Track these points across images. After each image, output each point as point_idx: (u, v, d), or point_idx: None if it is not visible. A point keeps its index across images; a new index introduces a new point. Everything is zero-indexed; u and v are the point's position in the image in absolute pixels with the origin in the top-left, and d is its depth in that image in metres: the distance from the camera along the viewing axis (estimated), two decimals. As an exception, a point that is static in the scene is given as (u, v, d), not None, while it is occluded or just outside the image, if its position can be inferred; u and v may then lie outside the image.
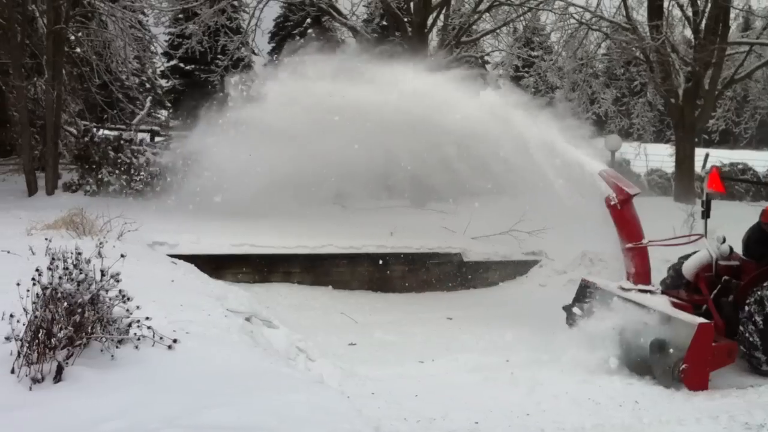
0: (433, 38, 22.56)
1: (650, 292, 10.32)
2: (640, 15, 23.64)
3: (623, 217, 10.49)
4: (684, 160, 22.73)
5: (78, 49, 21.42)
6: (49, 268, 5.76)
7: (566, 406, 8.76)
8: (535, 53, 26.41)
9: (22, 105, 18.29)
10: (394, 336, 11.69)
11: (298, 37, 44.52)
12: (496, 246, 15.74)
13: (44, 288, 5.63)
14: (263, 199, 15.15)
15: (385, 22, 25.98)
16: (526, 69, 27.46)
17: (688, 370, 9.19)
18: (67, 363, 5.58)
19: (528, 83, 26.51)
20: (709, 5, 21.75)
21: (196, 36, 22.24)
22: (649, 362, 9.55)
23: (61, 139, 19.96)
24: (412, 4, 20.28)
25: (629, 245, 10.52)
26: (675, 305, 10.07)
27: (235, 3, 24.74)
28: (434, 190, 17.03)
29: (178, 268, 11.44)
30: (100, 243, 6.68)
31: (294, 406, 5.53)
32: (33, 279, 5.60)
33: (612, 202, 10.41)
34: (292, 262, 14.40)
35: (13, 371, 5.46)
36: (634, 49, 22.92)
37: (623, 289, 10.51)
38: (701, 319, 9.45)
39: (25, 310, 5.58)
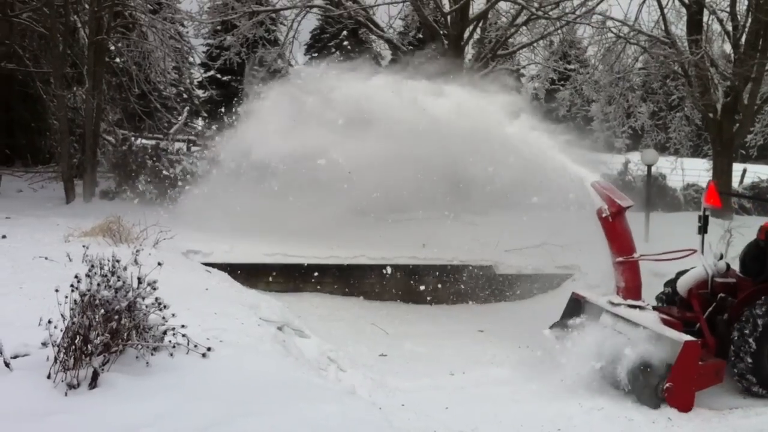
0: (469, 51, 22.59)
1: (639, 307, 10.12)
2: (679, 29, 23.44)
3: (615, 229, 10.23)
4: (721, 175, 22.39)
5: (118, 60, 21.80)
6: (88, 275, 5.84)
7: (598, 423, 8.70)
8: (571, 66, 26.30)
9: (62, 114, 18.64)
10: (425, 348, 11.68)
11: (334, 49, 44.88)
12: (529, 259, 15.66)
13: (82, 294, 5.72)
14: (296, 209, 15.22)
15: (421, 35, 26.05)
16: (562, 82, 27.36)
17: (673, 389, 9.01)
18: (102, 369, 5.66)
19: (563, 96, 26.40)
20: (750, 20, 21.50)
21: (234, 47, 22.47)
22: (631, 379, 9.33)
23: (99, 147, 20.29)
24: (449, 17, 20.31)
25: (620, 259, 10.28)
26: (664, 322, 9.88)
27: (274, 16, 24.95)
28: (467, 201, 17.00)
29: (212, 277, 11.55)
30: (136, 251, 6.78)
31: (327, 416, 5.56)
32: (72, 285, 5.69)
33: (603, 214, 10.19)
34: (324, 273, 14.46)
35: (49, 376, 5.55)
36: (672, 63, 22.71)
37: (612, 303, 10.33)
38: (687, 337, 9.25)
39: (62, 316, 5.67)
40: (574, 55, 26.36)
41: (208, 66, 30.02)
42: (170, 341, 6.22)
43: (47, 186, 20.38)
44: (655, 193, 23.82)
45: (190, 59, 26.95)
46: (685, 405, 9.08)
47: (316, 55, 39.57)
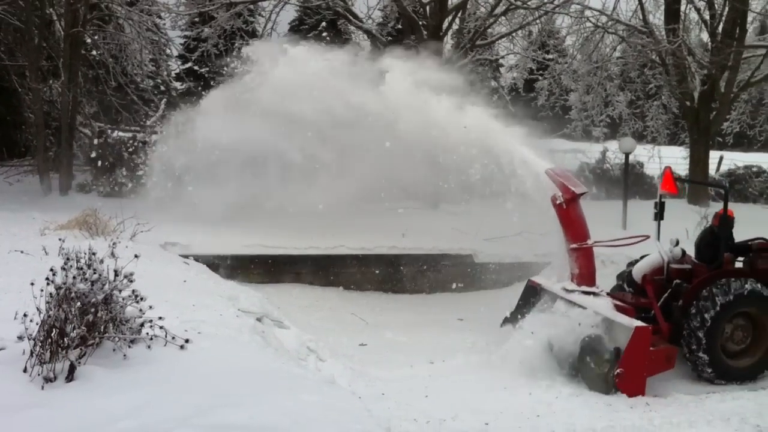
0: (448, 41, 22.57)
1: (593, 293, 10.14)
2: (657, 18, 23.56)
3: (568, 216, 10.28)
4: (698, 162, 22.61)
5: (94, 52, 21.58)
6: (63, 268, 5.81)
7: (577, 408, 8.75)
8: (549, 56, 26.36)
9: (38, 107, 18.47)
10: (405, 337, 11.72)
11: (312, 41, 44.60)
12: (508, 247, 15.67)
13: (58, 288, 5.68)
14: (274, 199, 15.17)
15: (400, 26, 26.01)
16: (541, 72, 27.41)
17: (624, 374, 9.01)
18: (79, 362, 5.63)
19: (542, 86, 26.47)
20: (727, 9, 21.65)
21: (212, 39, 22.33)
22: (582, 365, 9.38)
23: (75, 140, 20.12)
24: (427, 7, 20.29)
25: (573, 245, 10.33)
26: (618, 308, 9.90)
27: (251, 7, 24.80)
28: (447, 191, 17.00)
29: (191, 269, 11.52)
30: (113, 243, 6.73)
31: (306, 406, 5.56)
32: (47, 279, 5.66)
33: (557, 201, 10.22)
34: (303, 263, 14.46)
35: (25, 370, 5.51)
36: (650, 52, 22.82)
37: (566, 290, 10.34)
38: (638, 323, 9.29)
39: (38, 309, 5.63)
40: (553, 45, 26.39)
41: (186, 58, 29.83)
42: (147, 333, 6.21)
43: (23, 179, 20.21)
44: (633, 181, 23.95)
45: (168, 51, 26.73)
46: (635, 390, 9.09)
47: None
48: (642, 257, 11.31)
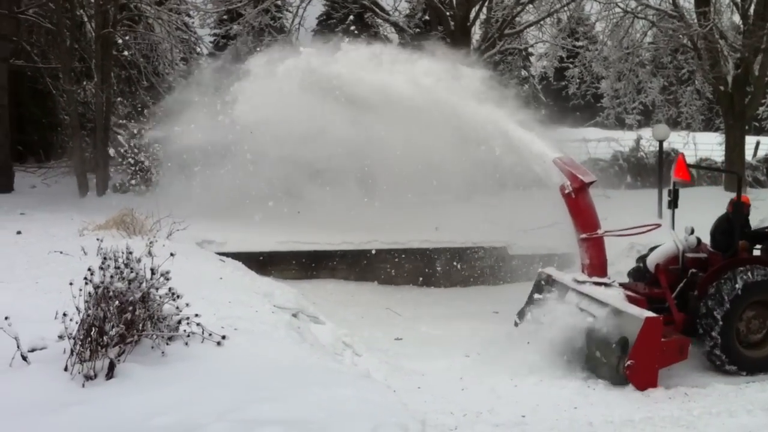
0: (476, 32, 22.48)
1: (605, 284, 9.94)
2: (687, 2, 23.26)
3: (578, 206, 10.12)
4: (734, 148, 22.24)
5: (126, 53, 21.82)
6: (101, 268, 5.90)
7: (615, 399, 8.69)
8: (579, 44, 26.13)
9: (72, 108, 18.74)
10: (440, 330, 11.71)
11: (341, 35, 44.67)
12: (541, 239, 15.59)
13: (96, 287, 5.78)
14: (306, 195, 15.26)
15: (427, 17, 25.94)
16: (571, 60, 27.17)
17: (635, 366, 8.78)
18: (118, 360, 5.73)
19: (573, 74, 26.23)
20: (758, -10, 21.29)
21: (241, 36, 22.47)
22: (592, 357, 9.23)
23: (111, 141, 20.35)
24: (454, -2, 20.25)
25: (584, 235, 10.17)
26: (629, 298, 9.70)
27: (279, 3, 24.89)
28: (479, 183, 16.91)
29: (226, 266, 11.61)
30: (150, 242, 6.82)
31: (341, 400, 5.59)
32: (85, 278, 5.75)
33: (566, 191, 10.06)
34: (338, 259, 14.54)
35: (66, 369, 5.63)
36: (681, 36, 22.51)
37: (577, 281, 10.17)
38: (649, 313, 9.03)
39: (78, 309, 5.73)
40: (582, 32, 26.12)
41: (216, 56, 30.00)
42: (185, 330, 6.29)
43: (60, 181, 20.50)
44: (668, 169, 23.66)
45: (198, 50, 26.94)
46: (646, 382, 8.89)
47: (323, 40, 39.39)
48: (655, 247, 11.14)
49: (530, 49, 31.27)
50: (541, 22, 23.49)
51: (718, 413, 8.26)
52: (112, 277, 5.82)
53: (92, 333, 5.70)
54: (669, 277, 10.49)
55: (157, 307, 6.13)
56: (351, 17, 33.17)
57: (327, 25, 43.16)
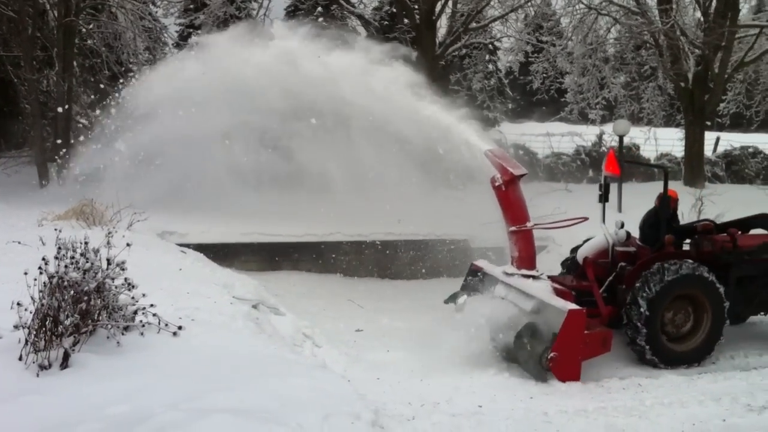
0: (442, 25, 22.54)
1: (533, 277, 10.01)
2: (650, 0, 23.55)
3: (507, 198, 10.13)
4: (693, 144, 22.60)
5: (89, 41, 21.56)
6: (56, 257, 5.89)
7: (570, 390, 8.86)
8: (545, 39, 26.29)
9: (33, 97, 18.51)
10: (401, 322, 11.78)
11: (309, 26, 44.39)
12: (503, 232, 15.73)
13: (51, 277, 5.77)
14: (269, 186, 15.22)
15: (394, 10, 25.96)
16: (536, 54, 27.36)
17: (558, 358, 8.85)
18: (73, 350, 5.73)
19: (537, 69, 26.40)
20: (719, -13, 21.61)
21: (206, 26, 22.32)
22: (517, 349, 9.23)
23: (72, 130, 20.12)
24: (420, -9, 20.27)
25: (512, 228, 10.20)
26: (556, 291, 9.76)
27: (245, -7, 24.80)
28: (441, 176, 16.94)
29: (187, 257, 11.59)
30: (109, 233, 6.80)
31: (295, 389, 5.65)
32: (39, 268, 5.74)
33: (496, 183, 10.08)
34: (301, 250, 14.56)
35: (21, 358, 5.62)
36: (643, 33, 22.78)
37: (506, 273, 10.23)
38: (572, 306, 9.11)
39: (32, 298, 5.72)
40: (548, 27, 26.28)
41: (181, 46, 29.73)
42: (141, 321, 6.30)
43: (21, 171, 20.24)
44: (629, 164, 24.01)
45: (162, 39, 26.67)
46: (569, 375, 8.97)
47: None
48: (586, 240, 11.28)
49: (497, 44, 31.41)
50: (507, 17, 23.60)
51: (670, 404, 8.47)
52: (66, 266, 5.81)
53: (47, 323, 5.69)
54: (599, 271, 10.63)
55: (113, 297, 6.14)
56: (319, 8, 33.08)
57: (294, 16, 43.02)
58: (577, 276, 10.90)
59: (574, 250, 11.51)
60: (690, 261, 10.00)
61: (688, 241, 11.00)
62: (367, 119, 12.44)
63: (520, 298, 9.74)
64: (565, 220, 10.76)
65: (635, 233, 11.22)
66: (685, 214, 16.75)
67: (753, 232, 11.49)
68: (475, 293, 10.70)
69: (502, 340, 9.49)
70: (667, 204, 10.60)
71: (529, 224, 10.14)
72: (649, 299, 9.68)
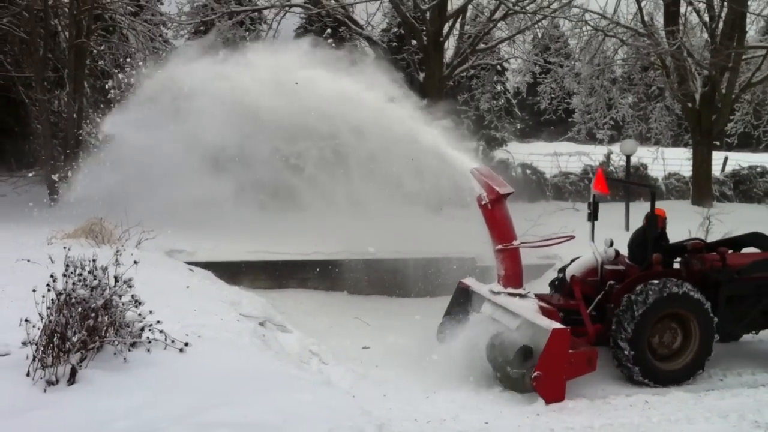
0: (450, 47, 22.66)
1: (520, 295, 9.92)
2: (657, 21, 23.71)
3: (494, 217, 10.02)
4: (701, 163, 22.67)
5: (100, 62, 21.76)
6: (64, 275, 5.96)
7: (577, 407, 8.88)
8: (554, 59, 26.42)
9: (44, 117, 18.67)
10: (408, 339, 11.78)
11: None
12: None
13: (59, 294, 5.84)
14: (276, 205, 15.29)
15: (402, 32, 26.12)
16: (544, 75, 27.50)
17: (542, 378, 8.74)
18: (80, 366, 5.79)
19: (545, 89, 26.55)
20: (725, 10, 21.72)
21: (215, 48, 22.48)
22: (503, 367, 9.20)
23: (83, 150, 20.26)
24: (427, 13, 20.38)
25: (499, 247, 10.10)
26: (543, 310, 9.69)
27: (254, 15, 24.98)
28: (448, 196, 16.93)
29: (195, 275, 11.65)
30: (118, 251, 6.88)
31: (299, 404, 5.70)
32: (48, 285, 5.81)
33: (483, 202, 9.99)
34: (308, 268, 14.59)
35: (28, 374, 5.68)
36: (650, 54, 22.89)
37: (493, 292, 10.16)
38: (557, 324, 9.06)
39: (40, 315, 5.79)
40: (556, 48, 26.42)
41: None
42: (147, 338, 6.35)
43: (31, 190, 20.32)
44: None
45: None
46: (554, 394, 8.86)
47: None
48: (574, 259, 11.28)
49: (505, 64, 31.55)
50: (514, 39, 23.73)
51: (677, 420, 8.48)
52: (74, 284, 5.88)
53: (54, 339, 5.75)
54: (588, 289, 10.61)
55: (120, 314, 6.19)
56: (329, 30, 33.32)
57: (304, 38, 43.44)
58: (564, 295, 10.87)
59: (562, 269, 11.52)
60: (674, 280, 9.93)
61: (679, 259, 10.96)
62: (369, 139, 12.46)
63: (506, 316, 9.70)
64: (552, 238, 10.80)
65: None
66: (693, 233, 16.75)
67: (746, 250, 11.51)
68: (463, 312, 10.69)
69: (489, 358, 9.49)
70: (654, 223, 10.59)
71: (515, 242, 10.07)
72: (635, 320, 9.62)
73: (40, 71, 18.45)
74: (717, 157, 25.29)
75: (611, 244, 10.92)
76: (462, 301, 11.14)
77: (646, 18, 22.56)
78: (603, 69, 24.45)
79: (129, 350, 6.18)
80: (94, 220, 12.61)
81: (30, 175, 19.92)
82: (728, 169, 26.72)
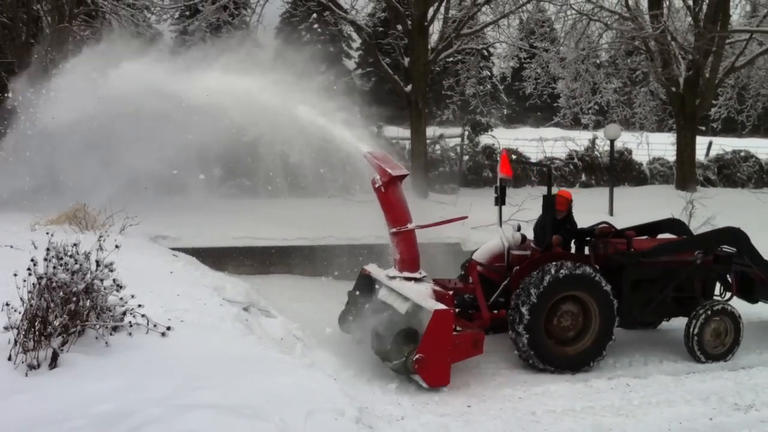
0: (434, 31, 22.61)
1: (415, 279, 9.77)
2: (642, 5, 23.70)
3: (388, 200, 9.86)
4: (685, 148, 22.76)
5: (83, 48, 21.60)
6: (45, 259, 5.96)
7: (559, 390, 8.96)
8: (539, 44, 26.38)
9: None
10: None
11: (304, 33, 44.61)
12: (494, 235, 15.83)
13: (39, 278, 5.84)
14: (261, 192, 15.25)
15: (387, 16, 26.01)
16: (529, 60, 27.49)
17: (424, 360, 8.51)
18: (62, 350, 5.80)
19: (530, 74, 26.52)
20: (708, -6, 21.78)
21: (199, 33, 22.40)
22: (392, 351, 8.93)
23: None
24: (411, -3, 20.33)
25: (393, 230, 9.98)
26: (436, 294, 9.47)
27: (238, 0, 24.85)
28: (434, 180, 16.97)
29: (178, 260, 11.66)
30: (101, 236, 6.87)
31: (281, 387, 5.74)
32: (28, 269, 5.81)
33: (377, 185, 9.86)
34: (293, 254, 14.63)
35: (10, 358, 5.69)
36: (634, 38, 22.91)
37: (389, 277, 10.01)
38: (439, 306, 8.82)
39: (22, 300, 5.79)
40: (541, 33, 26.36)
41: (176, 52, 29.82)
42: (129, 322, 6.37)
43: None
44: (622, 168, 24.16)
45: (160, 46, 26.74)
46: (437, 378, 8.67)
47: (285, 37, 39.43)
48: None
49: (491, 49, 31.49)
50: (500, 23, 23.68)
51: (657, 403, 8.59)
52: (55, 267, 5.88)
53: (36, 323, 5.76)
54: (495, 275, 10.52)
55: (101, 298, 6.20)
56: (314, 15, 33.17)
57: (290, 23, 43.24)
58: (463, 279, 10.66)
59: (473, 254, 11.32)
60: (570, 262, 9.74)
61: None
62: None
63: (398, 300, 9.53)
64: (445, 220, 10.61)
65: None
66: (676, 217, 16.86)
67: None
68: (364, 299, 10.54)
69: (382, 342, 9.29)
70: (551, 205, 10.30)
71: (410, 225, 9.91)
72: (530, 304, 9.45)
73: (22, 57, 18.31)
74: (701, 141, 25.38)
75: (519, 229, 10.77)
76: (363, 288, 10.90)
77: (630, 2, 22.54)
78: (588, 53, 24.44)
79: (111, 334, 6.20)
80: (77, 206, 12.56)
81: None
82: (712, 153, 26.81)
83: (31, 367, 5.62)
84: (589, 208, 18.31)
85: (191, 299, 8.38)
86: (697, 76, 21.99)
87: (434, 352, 8.58)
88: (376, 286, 10.50)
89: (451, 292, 9.76)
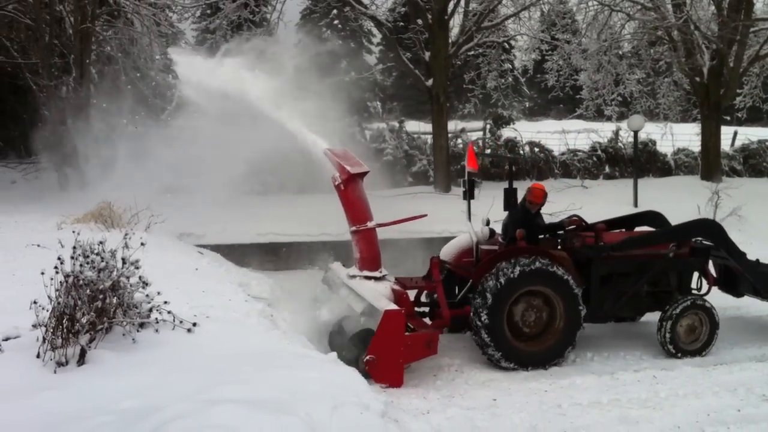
0: (455, 25, 22.55)
1: (375, 278, 9.58)
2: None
3: (347, 197, 9.75)
4: (710, 138, 22.54)
5: (106, 48, 21.79)
6: (72, 257, 6.03)
7: (585, 383, 8.90)
8: (561, 36, 26.21)
9: (52, 104, 18.73)
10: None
11: (324, 29, 44.74)
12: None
13: (66, 276, 5.91)
14: (285, 189, 15.29)
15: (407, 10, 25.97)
16: (551, 52, 27.35)
17: (376, 361, 8.30)
18: (89, 347, 5.87)
19: (552, 66, 26.39)
20: (732, -19, 21.50)
21: (220, 30, 22.53)
22: (348, 352, 8.61)
23: (90, 135, 20.31)
24: (431, -10, 20.30)
25: (353, 228, 9.82)
26: (395, 293, 9.27)
27: (257, -4, 24.92)
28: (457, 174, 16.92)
29: (203, 257, 11.74)
30: (126, 234, 6.93)
31: (306, 382, 5.76)
32: (55, 267, 5.87)
33: (336, 182, 9.75)
34: (316, 250, 14.64)
35: (38, 356, 5.76)
36: (657, 28, 22.70)
37: (350, 276, 9.80)
38: (391, 306, 8.59)
39: (49, 297, 5.86)
40: (562, 25, 26.20)
41: (197, 50, 30.00)
42: (156, 318, 6.42)
43: (41, 176, 20.50)
44: (646, 159, 23.96)
45: (182, 44, 26.95)
46: (390, 379, 8.40)
47: (306, 33, 39.44)
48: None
49: (512, 42, 31.35)
50: (520, 15, 23.57)
51: (684, 395, 8.49)
52: (82, 266, 5.95)
53: (63, 321, 5.83)
54: (463, 271, 10.28)
55: (128, 295, 6.26)
56: (335, 11, 33.21)
57: (311, 19, 43.35)
58: (428, 277, 10.40)
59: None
60: (530, 256, 9.36)
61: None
62: None
63: (356, 300, 9.32)
64: (406, 218, 10.45)
65: None
66: (702, 208, 16.74)
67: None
68: (328, 297, 10.33)
69: (339, 342, 9.13)
70: (511, 197, 10.06)
71: (370, 224, 9.75)
72: (490, 300, 9.16)
73: (46, 57, 18.52)
74: (726, 131, 25.10)
75: (488, 223, 10.48)
76: (329, 285, 10.67)
77: (652, -9, 22.33)
78: (610, 44, 24.23)
79: (138, 331, 6.26)
80: (103, 204, 12.67)
81: (43, 161, 20.05)
82: (738, 143, 26.52)
83: (59, 364, 5.69)
84: (613, 200, 18.25)
85: (216, 295, 8.44)
86: (721, 66, 21.75)
87: (385, 353, 8.37)
88: (336, 284, 10.31)
89: (407, 292, 9.55)
